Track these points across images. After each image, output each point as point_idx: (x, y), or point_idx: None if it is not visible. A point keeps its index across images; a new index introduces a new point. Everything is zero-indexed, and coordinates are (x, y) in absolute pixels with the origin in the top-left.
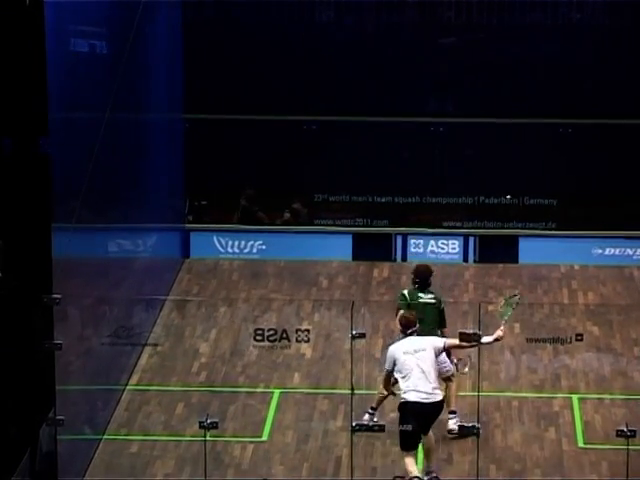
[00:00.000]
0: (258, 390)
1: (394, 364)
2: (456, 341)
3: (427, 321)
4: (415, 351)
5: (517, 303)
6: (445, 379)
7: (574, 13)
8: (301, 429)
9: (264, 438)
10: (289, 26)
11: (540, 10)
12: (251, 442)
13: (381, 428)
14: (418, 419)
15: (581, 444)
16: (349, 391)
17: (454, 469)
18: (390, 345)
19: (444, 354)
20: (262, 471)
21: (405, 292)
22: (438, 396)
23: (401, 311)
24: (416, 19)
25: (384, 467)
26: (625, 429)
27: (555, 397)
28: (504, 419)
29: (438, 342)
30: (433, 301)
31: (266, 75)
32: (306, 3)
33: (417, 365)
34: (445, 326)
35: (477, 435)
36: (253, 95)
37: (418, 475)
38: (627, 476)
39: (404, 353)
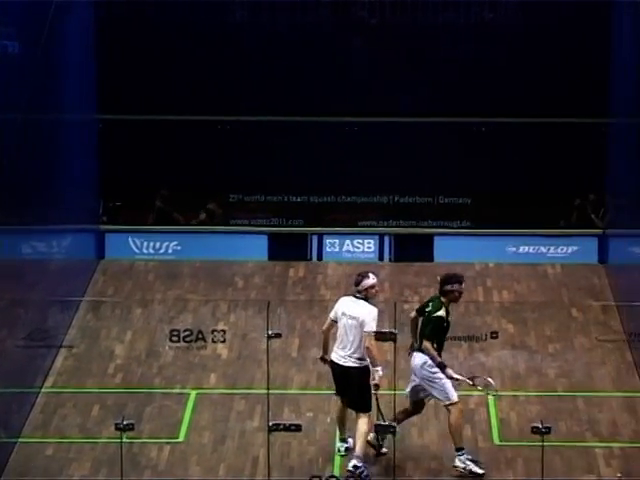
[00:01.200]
0: (174, 391)
1: (336, 316)
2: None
3: (421, 328)
4: (350, 317)
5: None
6: (448, 405)
7: (487, 12)
8: (218, 429)
9: (181, 439)
10: (202, 26)
11: (453, 10)
12: (168, 443)
13: (298, 428)
14: (335, 377)
15: (497, 441)
16: (265, 391)
17: (371, 467)
18: (341, 298)
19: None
20: (179, 472)
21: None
22: (351, 363)
23: None
24: (330, 19)
25: (301, 466)
26: (540, 426)
27: (471, 395)
28: (420, 417)
29: (367, 324)
30: (427, 308)
31: (180, 75)
32: (219, 3)
33: (345, 330)
34: (424, 337)
35: (393, 434)
36: (167, 95)
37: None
38: (542, 472)
39: (342, 314)
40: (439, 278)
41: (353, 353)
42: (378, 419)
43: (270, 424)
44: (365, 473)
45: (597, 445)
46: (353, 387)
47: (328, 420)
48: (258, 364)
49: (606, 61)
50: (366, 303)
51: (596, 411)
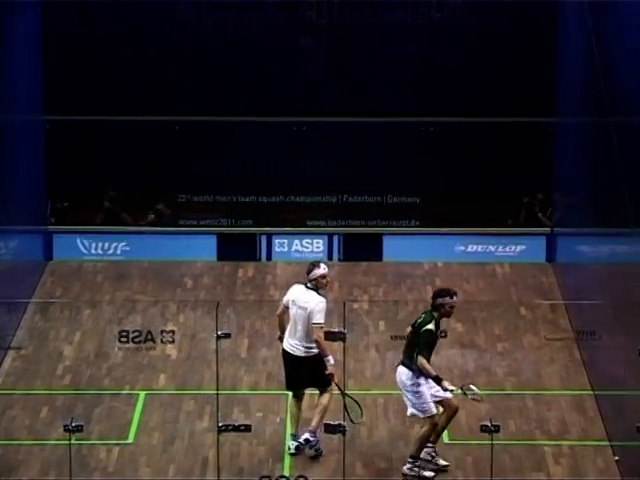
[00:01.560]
0: (123, 392)
1: (287, 302)
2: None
3: (413, 341)
4: (299, 306)
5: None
6: (429, 417)
7: (434, 12)
8: (167, 430)
9: (130, 440)
10: (150, 26)
11: (400, 9)
12: (117, 444)
13: (247, 428)
14: (286, 365)
15: (446, 440)
16: (215, 391)
17: (321, 467)
18: (294, 285)
19: (431, 391)
20: (128, 473)
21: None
22: (300, 352)
23: None
24: (278, 19)
25: (251, 467)
26: (489, 424)
27: None
28: (370, 416)
29: (314, 315)
30: (418, 321)
31: (127, 75)
32: (167, 3)
33: (295, 317)
34: (418, 351)
35: (343, 433)
36: (114, 96)
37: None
38: (491, 471)
39: (292, 301)
40: (432, 293)
41: (302, 342)
42: (352, 417)
43: (220, 424)
44: (317, 447)
45: (546, 443)
46: (305, 373)
47: (278, 420)
48: (207, 364)
49: (553, 61)
50: (315, 294)
51: (545, 409)
